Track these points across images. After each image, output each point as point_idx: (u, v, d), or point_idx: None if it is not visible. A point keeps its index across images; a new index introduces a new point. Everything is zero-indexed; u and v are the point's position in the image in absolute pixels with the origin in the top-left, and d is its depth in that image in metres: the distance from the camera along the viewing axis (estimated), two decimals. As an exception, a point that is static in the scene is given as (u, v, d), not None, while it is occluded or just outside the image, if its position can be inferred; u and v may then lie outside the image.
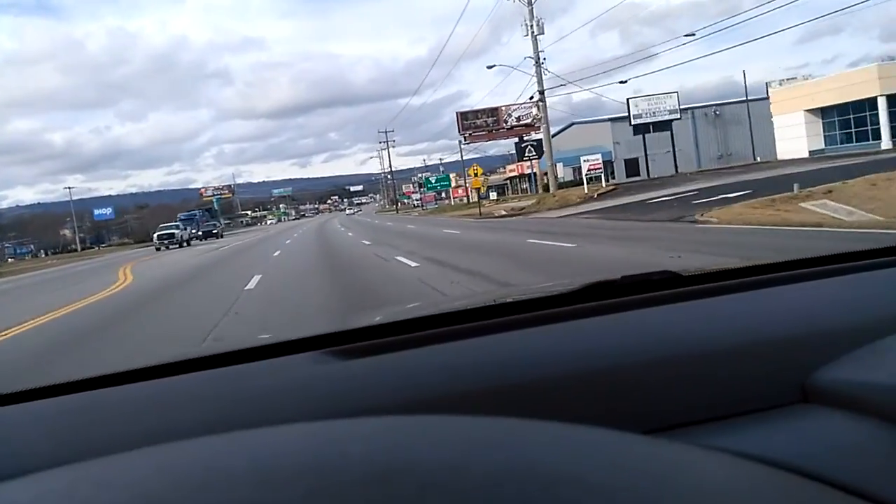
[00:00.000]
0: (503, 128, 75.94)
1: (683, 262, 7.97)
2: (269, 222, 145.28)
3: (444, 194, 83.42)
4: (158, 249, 45.19)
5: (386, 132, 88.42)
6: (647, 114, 46.35)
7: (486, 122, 76.77)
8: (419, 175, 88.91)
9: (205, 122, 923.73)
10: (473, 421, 0.49)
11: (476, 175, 35.14)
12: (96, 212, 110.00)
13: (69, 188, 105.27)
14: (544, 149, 33.27)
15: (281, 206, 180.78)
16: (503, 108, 76.87)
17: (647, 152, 42.68)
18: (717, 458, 0.50)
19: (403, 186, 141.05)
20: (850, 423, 0.77)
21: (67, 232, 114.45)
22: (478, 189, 38.26)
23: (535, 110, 33.75)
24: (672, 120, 46.59)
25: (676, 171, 41.42)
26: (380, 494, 0.37)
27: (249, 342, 1.16)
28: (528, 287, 1.58)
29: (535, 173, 67.65)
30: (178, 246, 46.21)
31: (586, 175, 29.93)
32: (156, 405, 0.94)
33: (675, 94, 46.81)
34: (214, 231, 63.18)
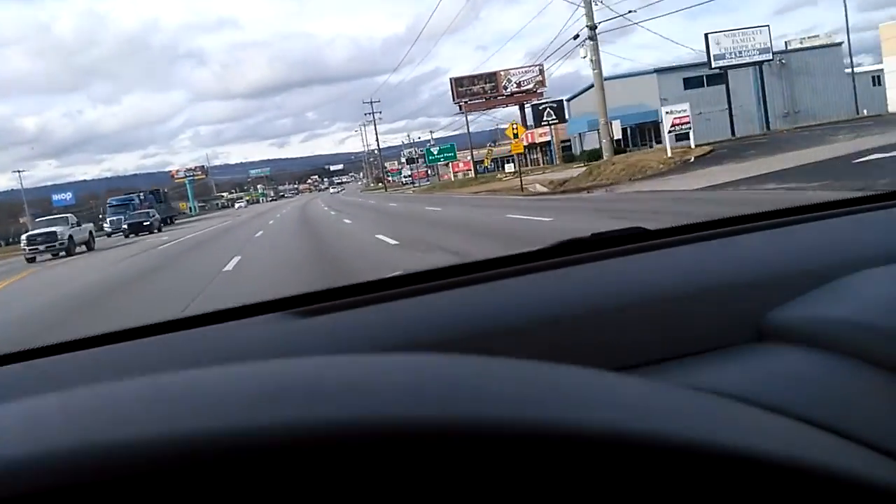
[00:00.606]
0: (502, 94, 69.31)
1: None
2: (238, 206, 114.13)
3: (431, 170, 76.71)
4: (31, 261, 27.19)
5: (371, 103, 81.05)
6: (731, 53, 37.26)
7: (483, 88, 69.79)
8: (410, 150, 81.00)
9: (180, 103, 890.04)
10: (445, 358, 0.50)
11: (516, 136, 27.96)
12: (55, 197, 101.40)
13: (19, 171, 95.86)
14: (598, 101, 26.17)
15: (258, 186, 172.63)
16: (502, 74, 69.36)
17: (702, 110, 34.84)
18: (678, 391, 0.51)
19: (387, 164, 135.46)
20: (803, 358, 0.80)
21: (27, 220, 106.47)
22: (519, 154, 31.31)
23: (583, 52, 26.41)
24: (763, 62, 37.87)
25: (733, 132, 34.56)
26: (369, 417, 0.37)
27: (224, 305, 1.18)
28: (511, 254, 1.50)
29: (551, 141, 61.10)
30: (64, 253, 27.44)
31: (670, 131, 23.20)
32: (126, 367, 0.95)
33: (767, 27, 38.21)
34: (146, 223, 43.82)
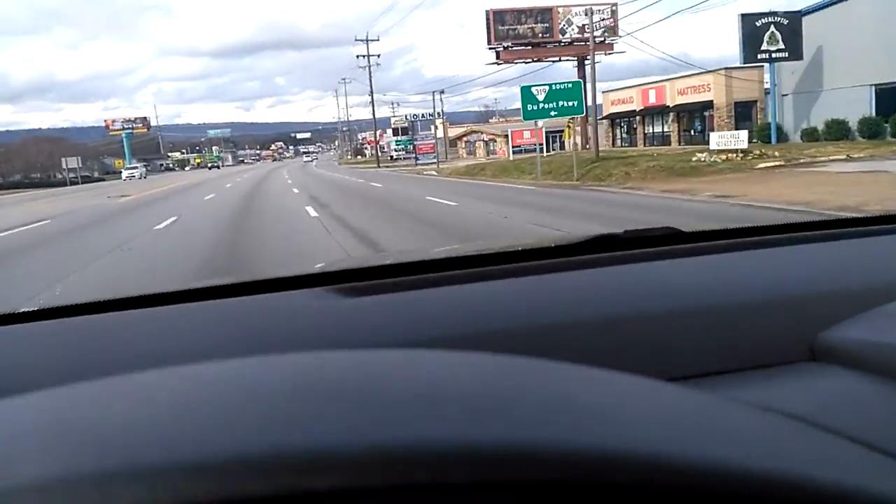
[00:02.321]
0: (558, 41, 50.71)
1: None
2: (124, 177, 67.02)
3: (471, 143, 57.15)
4: None
5: (368, 56, 60.97)
6: None
7: (531, 29, 51.32)
8: (417, 115, 60.63)
9: (144, 57, 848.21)
10: (505, 358, 0.48)
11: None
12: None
13: None
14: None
15: (214, 148, 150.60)
16: (558, 11, 51.31)
17: None
18: (737, 407, 0.49)
19: (360, 135, 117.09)
20: (857, 381, 0.78)
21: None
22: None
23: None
24: None
25: None
26: (410, 415, 0.35)
27: (254, 276, 1.19)
28: (533, 240, 1.61)
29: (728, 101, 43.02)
30: None
31: None
32: (160, 332, 0.95)
33: None
34: None
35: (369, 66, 58.89)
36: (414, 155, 53.06)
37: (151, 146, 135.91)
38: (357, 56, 58.38)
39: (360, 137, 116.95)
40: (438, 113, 52.93)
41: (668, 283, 1.01)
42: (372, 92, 53.93)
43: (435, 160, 53.38)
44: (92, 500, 0.30)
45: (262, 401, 0.38)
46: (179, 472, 0.32)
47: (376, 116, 74.54)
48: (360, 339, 0.89)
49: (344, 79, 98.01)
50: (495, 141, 55.67)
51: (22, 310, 1.03)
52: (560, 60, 46.84)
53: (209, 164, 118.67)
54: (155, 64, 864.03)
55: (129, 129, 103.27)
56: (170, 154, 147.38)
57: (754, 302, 0.94)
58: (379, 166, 53.65)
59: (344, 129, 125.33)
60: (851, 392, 0.76)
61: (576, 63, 44.76)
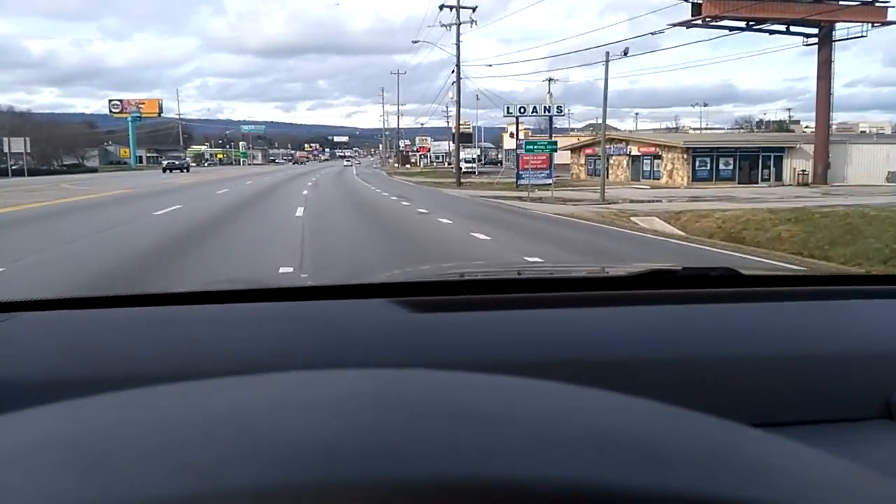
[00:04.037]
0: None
1: None
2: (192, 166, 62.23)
3: (591, 158, 37.88)
4: None
5: (458, 58, 42.17)
6: None
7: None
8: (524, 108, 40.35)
9: (191, 50, 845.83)
10: (572, 388, 0.47)
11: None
12: None
13: None
14: None
15: (241, 144, 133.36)
16: None
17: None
18: (825, 456, 0.48)
19: (400, 142, 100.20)
20: None
21: None
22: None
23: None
24: None
25: None
26: (464, 444, 0.35)
27: (324, 280, 1.20)
28: (588, 266, 1.62)
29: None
30: None
31: None
32: (232, 329, 0.95)
33: None
34: None
35: (458, 39, 39.65)
36: (515, 171, 33.97)
37: (169, 136, 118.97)
38: (441, 25, 38.98)
39: (401, 144, 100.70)
40: (556, 110, 33.70)
41: (733, 327, 1.01)
42: (459, 102, 34.90)
43: (548, 179, 34.02)
44: None
45: (434, 422, 0.37)
46: (386, 489, 0.31)
47: (399, 126, 55.69)
48: (429, 356, 0.89)
49: (398, 71, 79.87)
50: (660, 158, 36.15)
51: (70, 296, 1.04)
52: (788, 28, 27.87)
53: (237, 161, 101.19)
54: (201, 58, 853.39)
55: (135, 113, 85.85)
56: (194, 146, 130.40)
57: (825, 354, 0.93)
58: (461, 184, 34.50)
59: (386, 133, 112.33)
60: None
61: (808, 38, 25.70)
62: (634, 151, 39.23)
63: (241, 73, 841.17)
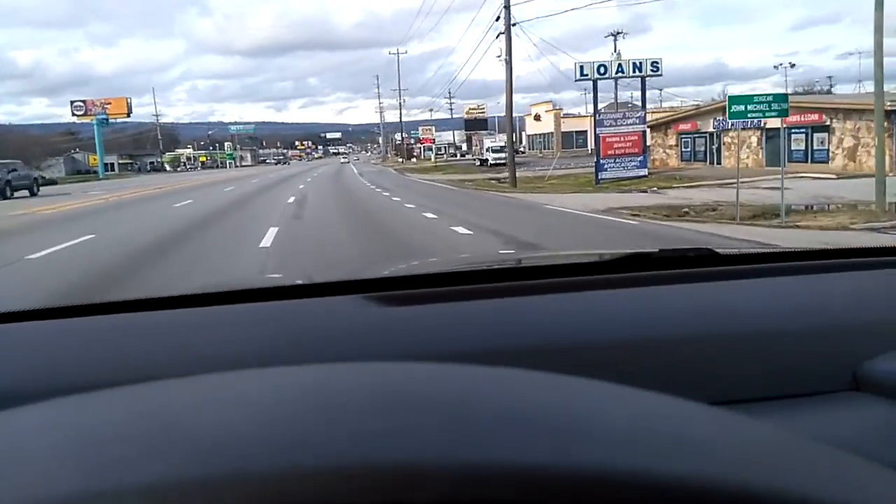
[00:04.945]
0: None
1: None
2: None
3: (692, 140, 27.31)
4: None
5: (507, 50, 31.60)
6: None
7: None
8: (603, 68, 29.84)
9: (179, 54, 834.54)
10: (540, 375, 0.46)
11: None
12: None
13: None
14: None
15: (227, 145, 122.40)
16: None
17: None
18: (788, 434, 0.49)
19: (398, 135, 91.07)
20: None
21: None
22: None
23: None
24: None
25: None
26: (449, 431, 0.35)
27: (292, 280, 1.20)
28: (564, 253, 1.59)
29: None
30: None
31: None
32: (202, 332, 0.95)
33: None
34: None
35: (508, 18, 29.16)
36: (594, 160, 23.59)
37: (145, 140, 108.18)
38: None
39: (399, 137, 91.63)
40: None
41: (708, 307, 1.02)
42: (508, 8, 24.27)
43: (641, 170, 23.59)
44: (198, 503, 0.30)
45: (355, 410, 0.38)
46: (284, 479, 0.31)
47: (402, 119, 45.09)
48: (403, 348, 0.89)
49: (397, 51, 69.40)
50: (826, 131, 24.11)
51: (71, 304, 1.05)
52: None
53: (222, 163, 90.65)
54: (189, 61, 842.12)
55: (100, 115, 74.87)
56: (179, 150, 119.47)
57: (797, 329, 0.94)
58: (515, 183, 23.77)
59: (385, 126, 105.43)
60: (893, 425, 0.76)
61: None
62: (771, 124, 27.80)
63: (230, 74, 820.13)
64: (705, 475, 0.34)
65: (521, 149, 44.87)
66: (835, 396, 0.85)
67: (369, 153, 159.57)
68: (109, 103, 77.01)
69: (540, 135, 60.26)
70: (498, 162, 43.10)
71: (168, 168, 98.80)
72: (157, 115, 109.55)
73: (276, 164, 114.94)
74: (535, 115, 60.50)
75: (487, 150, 45.17)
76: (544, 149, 59.85)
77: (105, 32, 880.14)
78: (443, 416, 0.37)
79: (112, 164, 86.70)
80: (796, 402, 0.84)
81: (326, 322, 0.96)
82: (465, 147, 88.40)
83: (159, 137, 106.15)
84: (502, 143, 44.82)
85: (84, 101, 77.31)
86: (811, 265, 1.19)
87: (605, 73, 23.20)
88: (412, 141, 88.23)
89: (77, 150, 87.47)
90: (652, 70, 23.21)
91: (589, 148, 50.76)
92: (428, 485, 0.31)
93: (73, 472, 0.32)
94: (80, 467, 0.32)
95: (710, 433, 0.41)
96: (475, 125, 68.66)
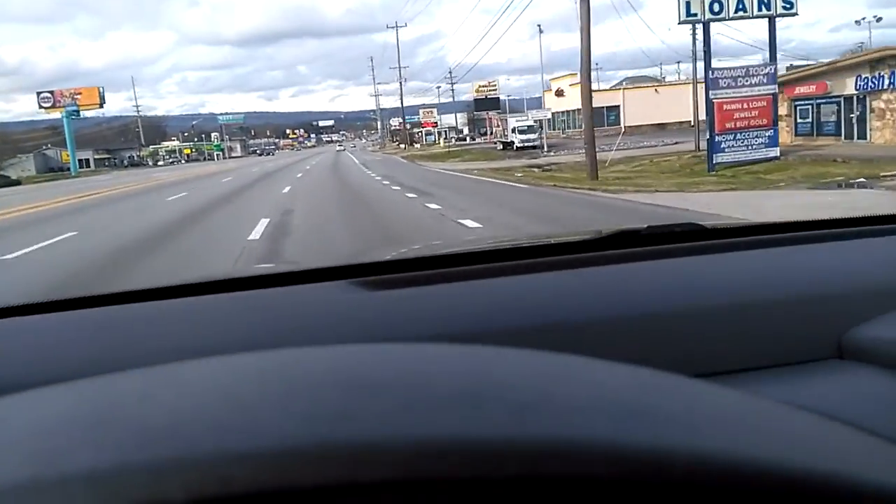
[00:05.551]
0: None
1: None
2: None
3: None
4: None
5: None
6: None
7: None
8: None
9: (168, 46, 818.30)
10: (528, 352, 0.46)
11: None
12: None
13: None
14: None
15: (213, 135, 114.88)
16: None
17: None
18: (769, 404, 0.48)
19: (392, 121, 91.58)
20: (885, 379, 0.79)
21: None
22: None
23: None
24: None
25: None
26: (442, 412, 0.35)
27: (278, 268, 1.18)
28: (552, 233, 1.59)
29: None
30: None
31: None
32: (183, 323, 0.96)
33: None
34: None
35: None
36: (707, 137, 16.58)
37: (127, 132, 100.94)
38: None
39: (395, 123, 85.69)
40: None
41: (694, 280, 1.03)
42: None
43: (772, 148, 16.92)
44: (141, 488, 0.30)
45: (307, 392, 0.38)
46: (229, 462, 0.31)
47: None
48: (388, 331, 0.89)
49: (395, 24, 62.49)
50: None
51: (50, 299, 1.03)
52: None
53: (208, 155, 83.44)
54: (178, 53, 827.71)
55: (70, 105, 67.63)
56: (165, 142, 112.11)
57: (782, 299, 0.94)
58: (597, 175, 16.94)
59: (381, 111, 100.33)
60: (880, 390, 0.77)
61: None
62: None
63: (220, 65, 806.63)
64: (676, 444, 0.34)
65: (536, 129, 38.16)
66: (819, 365, 0.86)
67: (364, 140, 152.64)
68: (80, 93, 69.79)
69: (563, 112, 53.09)
70: (526, 145, 36.11)
71: (150, 163, 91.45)
72: (137, 106, 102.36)
73: (259, 155, 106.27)
74: (558, 91, 53.33)
75: (513, 131, 38.13)
76: (567, 128, 52.76)
77: (91, 26, 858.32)
78: (398, 395, 0.37)
79: (87, 160, 79.66)
80: (780, 370, 0.85)
81: (312, 309, 0.97)
82: (466, 130, 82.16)
83: (139, 129, 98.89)
84: (530, 123, 37.80)
85: (52, 92, 70.03)
86: (796, 236, 1.19)
87: (719, 12, 16.34)
88: (410, 126, 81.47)
89: (48, 145, 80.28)
90: (784, 7, 16.38)
91: (622, 125, 43.94)
92: (381, 463, 0.31)
93: (18, 462, 0.32)
94: (25, 457, 0.32)
95: (684, 403, 0.41)
96: (486, 105, 61.50)
